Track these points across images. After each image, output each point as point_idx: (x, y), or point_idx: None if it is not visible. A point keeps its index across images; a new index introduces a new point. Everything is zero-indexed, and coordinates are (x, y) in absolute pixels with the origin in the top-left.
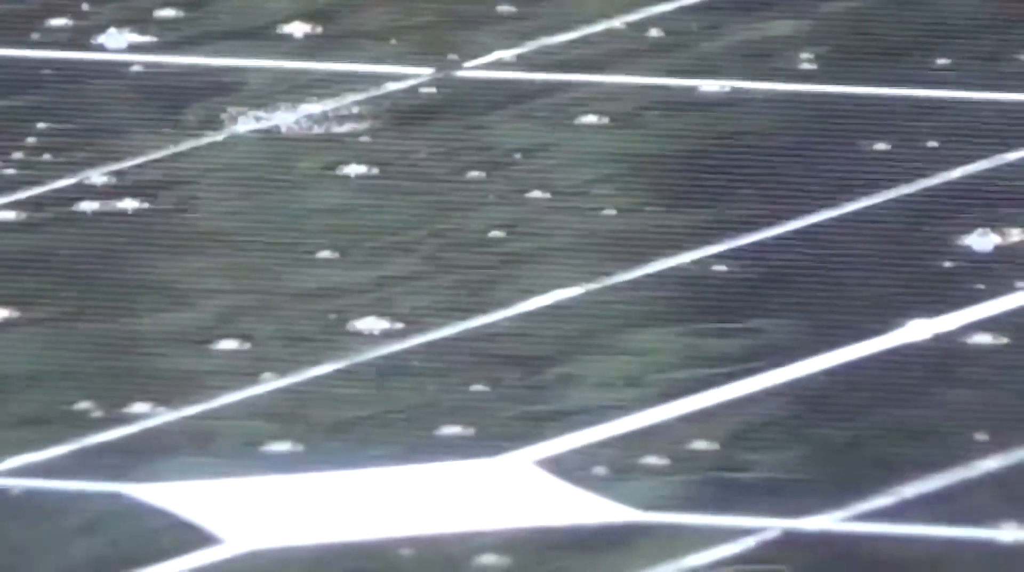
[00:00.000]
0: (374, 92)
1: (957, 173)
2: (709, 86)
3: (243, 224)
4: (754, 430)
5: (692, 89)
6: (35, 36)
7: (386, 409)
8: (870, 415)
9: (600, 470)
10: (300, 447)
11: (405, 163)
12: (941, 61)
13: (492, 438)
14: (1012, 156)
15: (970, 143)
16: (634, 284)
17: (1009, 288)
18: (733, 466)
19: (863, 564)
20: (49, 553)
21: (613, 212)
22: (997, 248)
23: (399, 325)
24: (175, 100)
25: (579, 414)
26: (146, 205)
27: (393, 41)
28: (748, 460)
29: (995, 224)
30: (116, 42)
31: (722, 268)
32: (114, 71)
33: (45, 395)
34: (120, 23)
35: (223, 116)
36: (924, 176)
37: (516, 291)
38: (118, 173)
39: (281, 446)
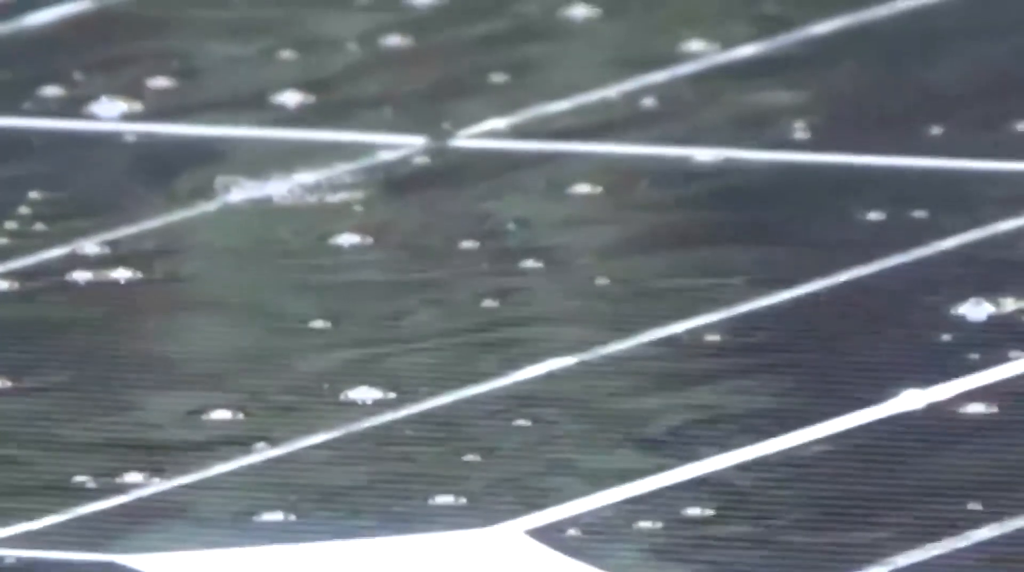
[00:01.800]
0: (367, 161)
1: (951, 242)
2: (703, 155)
3: (236, 294)
4: (747, 498)
5: (686, 159)
6: (27, 105)
7: (379, 479)
8: (863, 484)
9: (593, 539)
10: (293, 517)
11: (398, 232)
12: (935, 130)
13: (484, 508)
14: (1006, 225)
15: (964, 212)
16: (628, 354)
17: (1003, 357)
18: (726, 534)
19: None
20: None
21: (606, 281)
22: (991, 317)
23: (392, 395)
24: (168, 169)
25: (572, 483)
26: (139, 275)
27: (386, 110)
28: (741, 527)
29: (989, 293)
30: (108, 111)
31: (715, 338)
32: (107, 140)
33: (38, 465)
34: (112, 92)
35: (216, 185)
36: (918, 245)
37: (509, 361)
38: (111, 242)
39: (274, 516)
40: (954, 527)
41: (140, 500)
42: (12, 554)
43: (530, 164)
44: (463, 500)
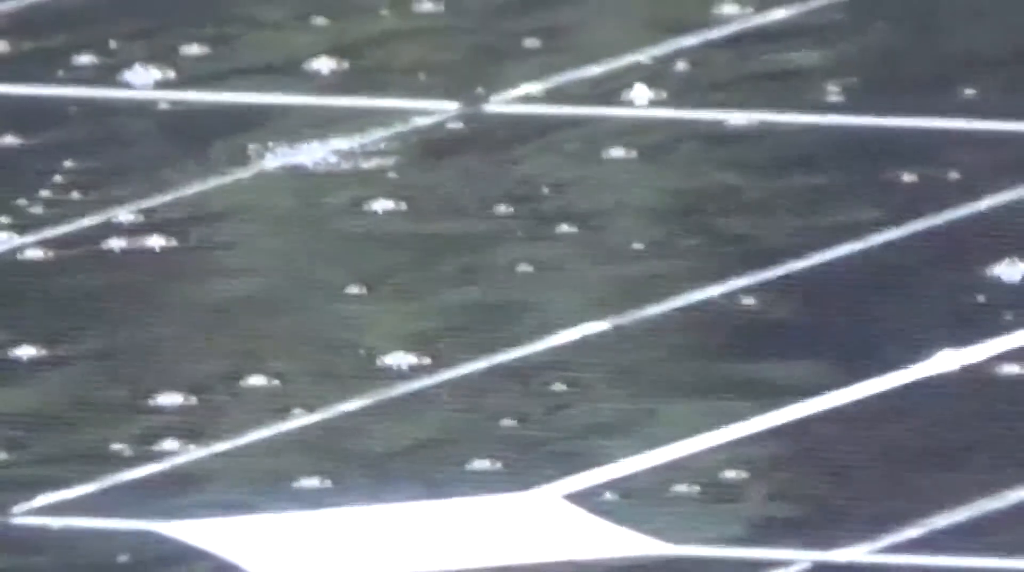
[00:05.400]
0: (401, 127)
1: (984, 203)
2: (736, 119)
3: (271, 260)
4: (783, 461)
5: (719, 122)
6: (61, 73)
7: (415, 444)
8: (899, 446)
9: (630, 502)
10: (329, 482)
11: (433, 198)
12: (968, 92)
13: (521, 472)
14: None
15: (997, 173)
16: (662, 318)
17: None
18: (762, 497)
19: None
20: None
21: (641, 246)
22: None
23: (427, 360)
24: (202, 137)
25: (609, 447)
26: (174, 242)
27: (420, 76)
28: (778, 492)
29: (1023, 254)
30: (142, 79)
31: (751, 301)
32: (141, 108)
33: (75, 433)
34: (146, 60)
35: (250, 152)
36: (951, 207)
37: (544, 325)
38: (146, 210)
39: (311, 482)
40: (990, 488)
41: (176, 467)
42: (49, 522)
43: (564, 128)
44: (499, 465)
